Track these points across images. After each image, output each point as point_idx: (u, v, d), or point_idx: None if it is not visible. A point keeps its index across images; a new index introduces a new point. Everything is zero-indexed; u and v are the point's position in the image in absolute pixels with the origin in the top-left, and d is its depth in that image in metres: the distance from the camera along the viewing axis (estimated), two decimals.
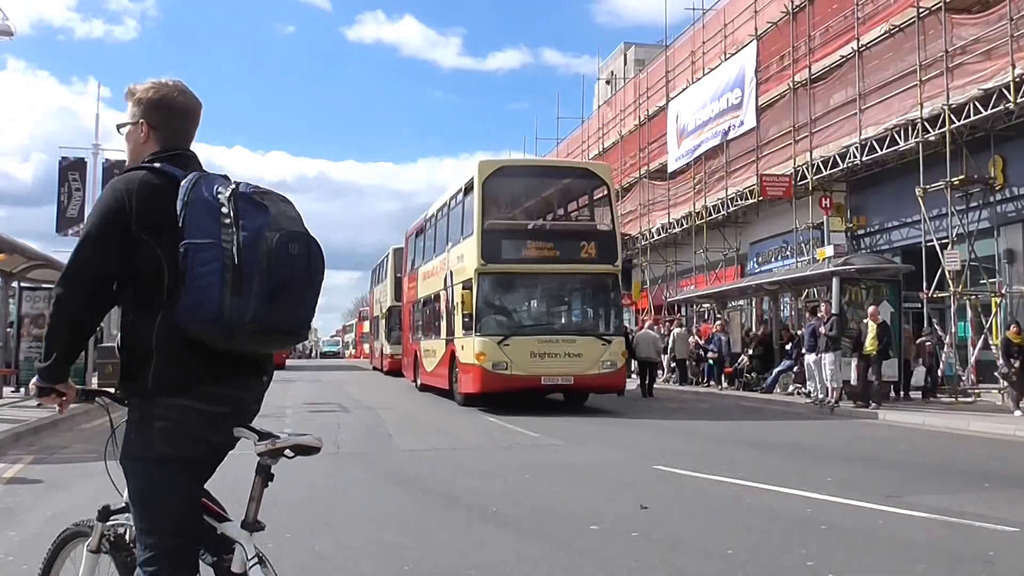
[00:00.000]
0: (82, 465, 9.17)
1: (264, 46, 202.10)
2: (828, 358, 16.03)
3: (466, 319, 16.27)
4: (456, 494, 7.71)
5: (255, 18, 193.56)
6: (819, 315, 17.06)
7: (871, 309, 16.41)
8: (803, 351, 17.43)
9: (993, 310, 18.22)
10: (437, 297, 19.88)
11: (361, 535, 5.98)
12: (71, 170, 28.11)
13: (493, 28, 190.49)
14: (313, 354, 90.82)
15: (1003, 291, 18.18)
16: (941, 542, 5.77)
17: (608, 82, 44.78)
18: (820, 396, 16.48)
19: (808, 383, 17.34)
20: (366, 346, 61.06)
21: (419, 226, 24.25)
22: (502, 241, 16.54)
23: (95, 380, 19.52)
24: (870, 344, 15.72)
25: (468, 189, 17.25)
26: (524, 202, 18.98)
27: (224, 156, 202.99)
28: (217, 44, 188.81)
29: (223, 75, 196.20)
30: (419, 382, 22.86)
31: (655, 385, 21.60)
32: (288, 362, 50.61)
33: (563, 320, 17.73)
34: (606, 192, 17.53)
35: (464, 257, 17.22)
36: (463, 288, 16.58)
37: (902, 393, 17.64)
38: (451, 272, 18.38)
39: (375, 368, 40.58)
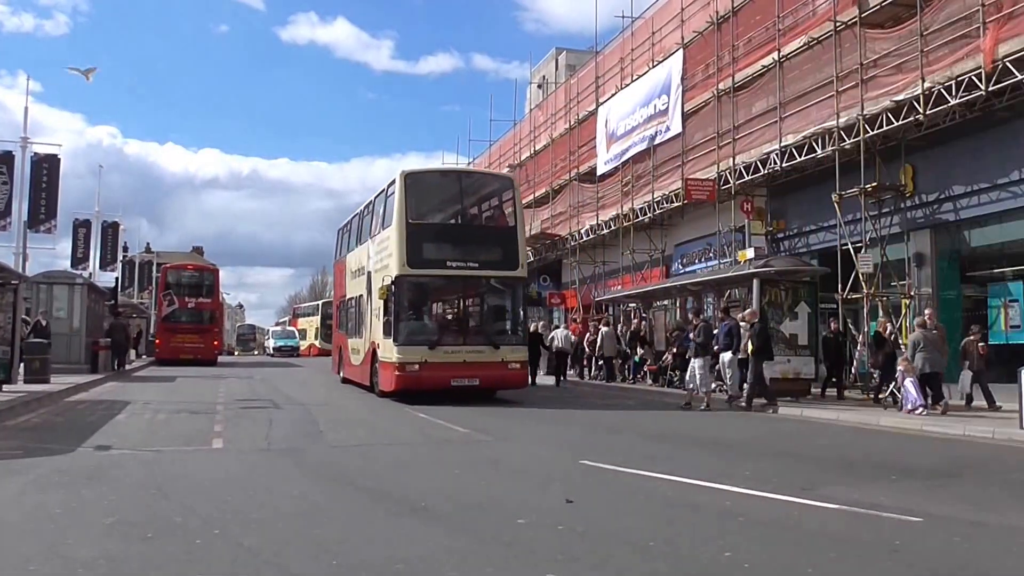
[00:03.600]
0: (5, 463, 9.04)
1: (198, 44, 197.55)
2: (697, 363, 16.64)
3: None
4: (386, 489, 7.74)
5: (188, 15, 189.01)
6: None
7: (747, 312, 17.15)
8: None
9: (903, 311, 19.01)
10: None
11: (291, 530, 5.99)
12: None
13: (424, 33, 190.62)
14: (257, 350, 79.25)
15: (912, 292, 18.98)
16: (851, 532, 6.05)
17: (540, 86, 45.17)
18: (729, 393, 17.02)
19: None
20: (317, 342, 57.39)
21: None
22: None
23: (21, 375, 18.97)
24: (749, 344, 16.24)
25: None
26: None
27: (157, 152, 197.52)
28: (150, 40, 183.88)
29: (156, 71, 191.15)
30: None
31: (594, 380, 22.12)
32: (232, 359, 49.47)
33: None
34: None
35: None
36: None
37: (823, 390, 18.29)
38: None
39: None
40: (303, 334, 64.15)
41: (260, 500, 7.16)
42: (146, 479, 8.14)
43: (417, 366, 17.03)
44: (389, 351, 17.51)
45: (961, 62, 16.37)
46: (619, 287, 30.39)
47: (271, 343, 62.65)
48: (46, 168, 29.09)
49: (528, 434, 12.39)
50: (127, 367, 29.87)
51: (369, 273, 19.73)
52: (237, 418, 14.11)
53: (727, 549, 5.49)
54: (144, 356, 40.75)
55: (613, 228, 30.82)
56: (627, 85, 30.78)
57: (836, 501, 7.01)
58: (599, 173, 32.21)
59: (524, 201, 37.32)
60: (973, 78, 15.99)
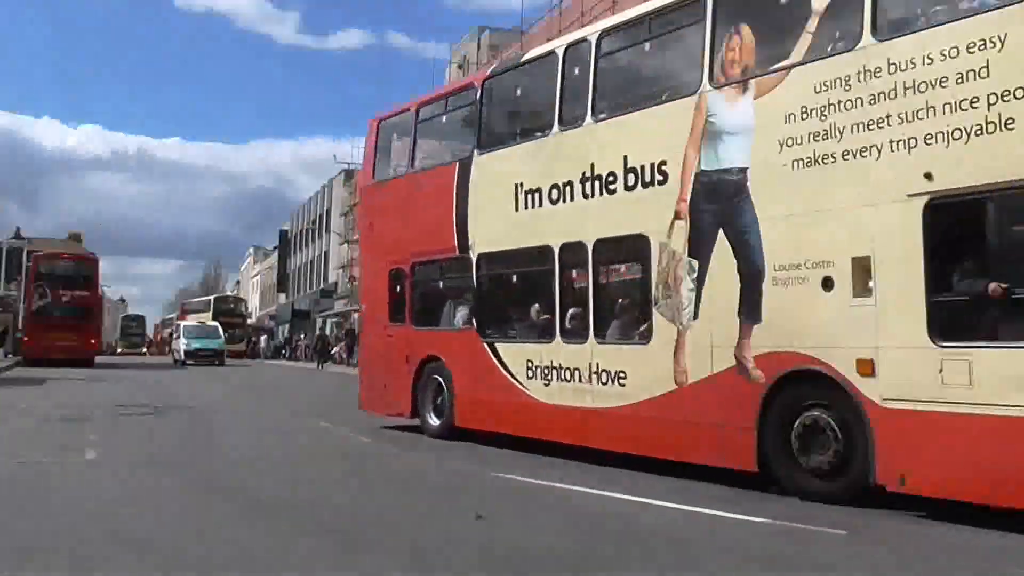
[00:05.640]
0: None
1: (75, 6, 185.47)
2: None
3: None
4: (281, 503, 7.21)
5: None
6: None
7: None
8: None
9: None
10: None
11: (169, 546, 5.54)
12: None
13: (334, 6, 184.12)
14: (149, 350, 71.01)
15: None
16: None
17: (461, 67, 43.72)
18: None
19: None
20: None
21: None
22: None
23: None
24: None
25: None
26: None
27: (31, 127, 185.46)
28: (19, 1, 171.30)
29: (28, 36, 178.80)
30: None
31: None
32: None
33: None
34: None
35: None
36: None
37: None
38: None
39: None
40: None
41: (132, 514, 6.46)
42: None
43: None
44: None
45: None
46: None
47: (182, 344, 43.32)
48: None
49: (437, 445, 11.74)
50: None
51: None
52: (115, 425, 13.08)
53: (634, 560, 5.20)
54: (10, 355, 38.07)
55: None
56: None
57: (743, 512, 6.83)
58: None
59: None
60: None
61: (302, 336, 56.84)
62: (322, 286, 58.45)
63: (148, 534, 5.92)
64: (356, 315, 46.59)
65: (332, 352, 43.65)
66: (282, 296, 71.93)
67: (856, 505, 6.65)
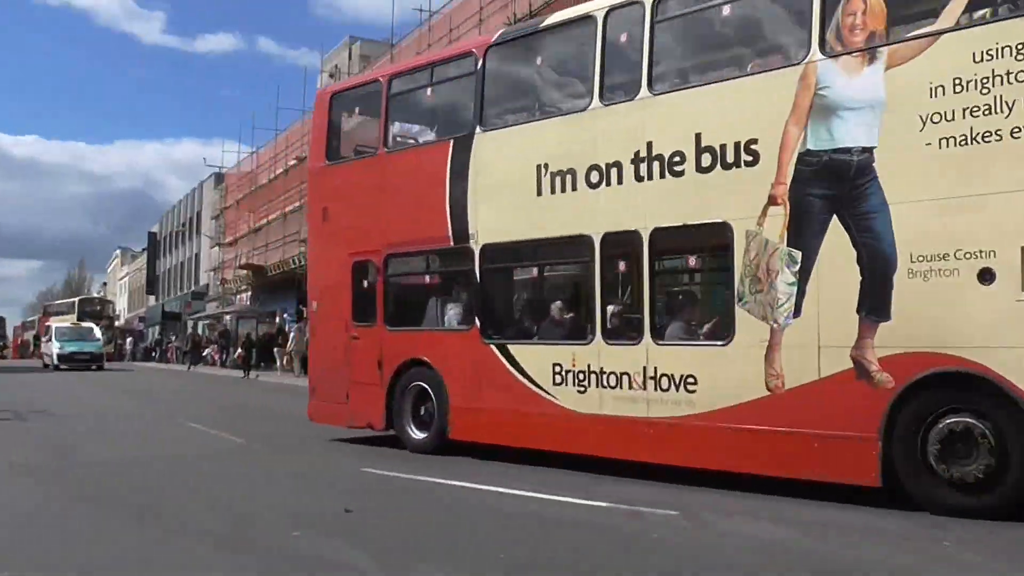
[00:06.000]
0: None
1: None
2: None
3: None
4: (148, 507, 7.08)
5: None
6: None
7: None
8: None
9: None
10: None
11: (39, 555, 5.49)
12: None
13: (203, 8, 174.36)
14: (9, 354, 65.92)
15: None
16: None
17: (332, 75, 43.80)
18: None
19: None
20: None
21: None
22: None
23: None
24: None
25: None
26: None
27: None
28: None
29: None
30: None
31: None
32: None
33: None
34: None
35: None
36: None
37: None
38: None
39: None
40: None
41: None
42: None
43: None
44: None
45: None
46: None
47: (55, 347, 39.11)
48: None
49: (309, 444, 11.27)
50: None
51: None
52: None
53: (502, 552, 5.57)
54: None
55: None
56: None
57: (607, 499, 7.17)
58: None
59: None
60: None
61: (173, 338, 54.99)
62: (193, 288, 57.20)
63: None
64: (229, 317, 44.13)
65: (204, 354, 42.59)
66: (152, 298, 70.60)
67: (1005, 519, 6.04)
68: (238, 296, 45.72)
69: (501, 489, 7.56)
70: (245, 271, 41.40)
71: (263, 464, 9.59)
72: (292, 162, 37.13)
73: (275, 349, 33.02)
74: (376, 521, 6.41)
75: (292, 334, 29.95)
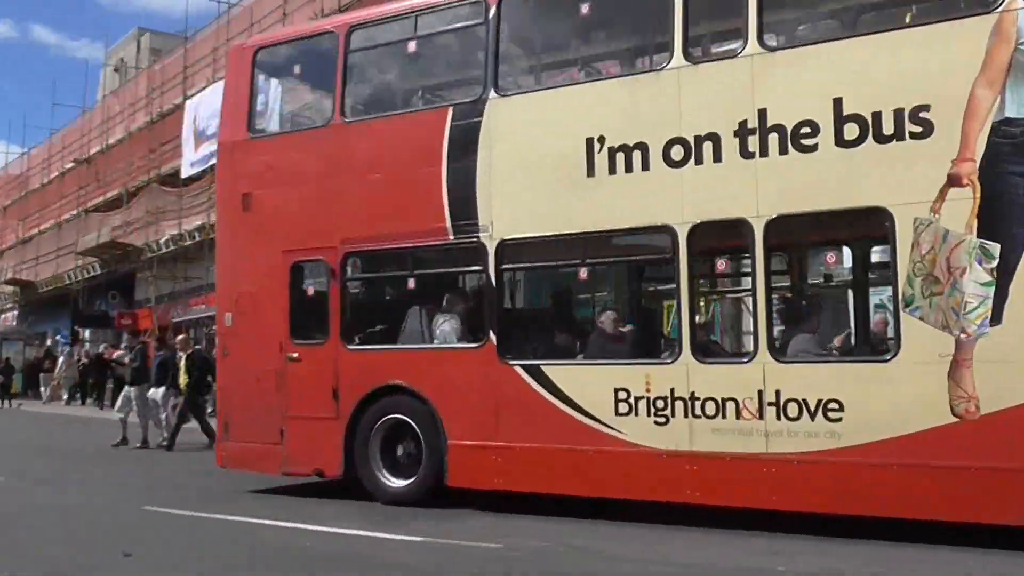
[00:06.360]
0: None
1: None
2: (133, 392, 14.71)
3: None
4: None
5: None
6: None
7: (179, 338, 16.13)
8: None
9: None
10: None
11: None
12: None
13: None
14: None
15: None
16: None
17: (117, 70, 41.58)
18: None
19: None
20: None
21: None
22: None
23: None
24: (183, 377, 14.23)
25: None
26: None
27: None
28: None
29: None
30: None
31: None
32: None
33: None
34: None
35: None
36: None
37: None
38: None
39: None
40: None
41: None
42: None
43: None
44: None
45: None
46: (203, 306, 26.13)
47: None
48: None
49: (79, 477, 10.93)
50: None
51: None
52: None
53: None
54: None
55: (199, 239, 26.48)
56: (220, 79, 26.99)
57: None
58: (184, 176, 27.67)
59: (92, 203, 31.91)
60: None
61: None
62: None
63: None
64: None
65: None
66: None
67: None
68: (2, 315, 41.89)
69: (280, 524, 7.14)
70: (11, 287, 38.30)
71: (20, 501, 8.96)
72: (70, 164, 34.18)
73: (41, 375, 30.43)
74: (156, 563, 6.08)
75: (61, 359, 29.03)
